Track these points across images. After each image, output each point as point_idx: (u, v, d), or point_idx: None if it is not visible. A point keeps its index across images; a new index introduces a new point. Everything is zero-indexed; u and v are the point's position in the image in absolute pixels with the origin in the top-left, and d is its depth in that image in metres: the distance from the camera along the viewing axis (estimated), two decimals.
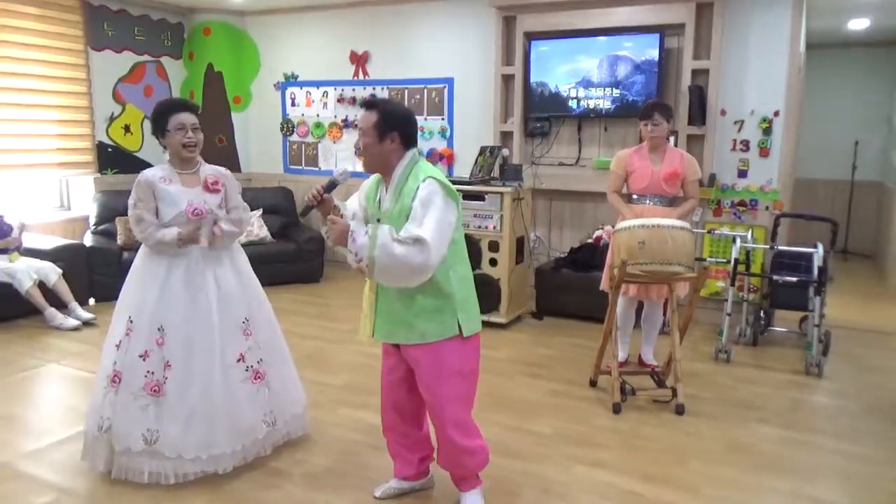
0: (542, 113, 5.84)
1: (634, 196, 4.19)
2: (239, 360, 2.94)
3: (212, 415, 2.83)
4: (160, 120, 2.91)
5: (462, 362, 2.52)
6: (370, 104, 2.46)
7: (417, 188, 2.38)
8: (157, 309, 2.85)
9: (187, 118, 2.90)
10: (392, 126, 2.42)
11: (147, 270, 2.93)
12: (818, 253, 4.41)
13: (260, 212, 6.67)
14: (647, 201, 4.13)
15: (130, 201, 2.93)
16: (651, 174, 4.08)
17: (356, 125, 6.88)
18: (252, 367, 2.98)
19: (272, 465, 3.03)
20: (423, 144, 6.61)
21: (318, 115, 7.14)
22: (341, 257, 7.69)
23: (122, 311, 2.94)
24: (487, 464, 2.66)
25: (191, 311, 2.86)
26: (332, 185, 2.50)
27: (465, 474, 2.65)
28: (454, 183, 2.67)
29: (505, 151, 5.56)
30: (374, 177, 2.62)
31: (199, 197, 2.95)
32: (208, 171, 3.05)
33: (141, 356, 2.83)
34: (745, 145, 5.29)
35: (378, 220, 2.50)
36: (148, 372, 2.82)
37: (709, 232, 4.91)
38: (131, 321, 2.87)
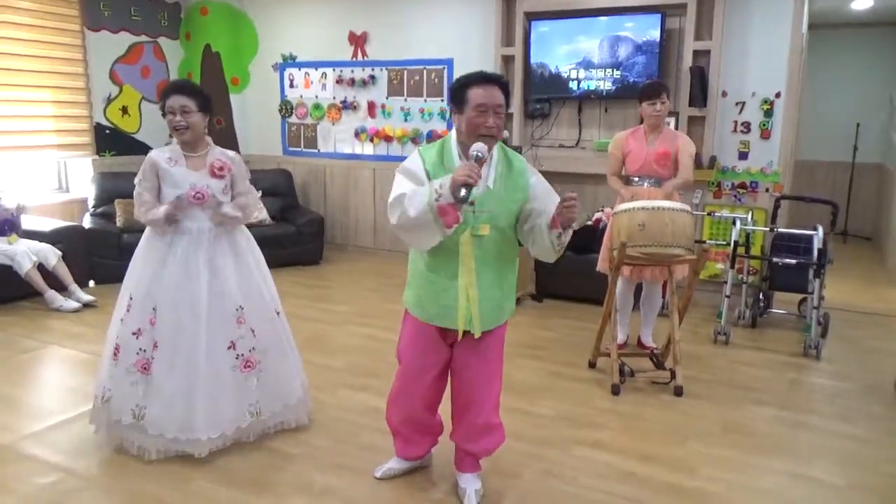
0: (542, 94, 5.81)
1: (630, 177, 4.17)
2: (229, 348, 2.93)
3: (192, 399, 2.84)
4: (161, 103, 2.94)
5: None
6: (496, 79, 2.35)
7: (525, 167, 2.46)
8: (153, 289, 2.88)
9: (176, 101, 2.87)
10: (509, 103, 2.44)
11: (148, 250, 2.95)
12: (818, 235, 4.41)
13: (259, 194, 6.65)
14: (643, 182, 4.11)
15: (136, 179, 2.94)
16: (645, 155, 4.06)
17: (355, 106, 6.86)
18: (242, 355, 2.97)
19: (273, 445, 3.05)
20: (423, 126, 6.58)
21: (316, 97, 7.10)
22: (341, 239, 7.67)
23: (126, 288, 2.97)
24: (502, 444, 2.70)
25: (183, 294, 2.86)
26: (481, 160, 2.25)
27: (481, 453, 2.67)
28: None
29: (505, 133, 5.53)
30: (425, 154, 2.43)
31: (203, 180, 2.93)
32: (217, 154, 3.01)
33: (134, 333, 2.88)
34: (746, 127, 5.27)
35: (471, 203, 2.32)
36: (140, 349, 2.87)
37: (709, 214, 4.91)
38: (131, 298, 2.91)
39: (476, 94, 2.31)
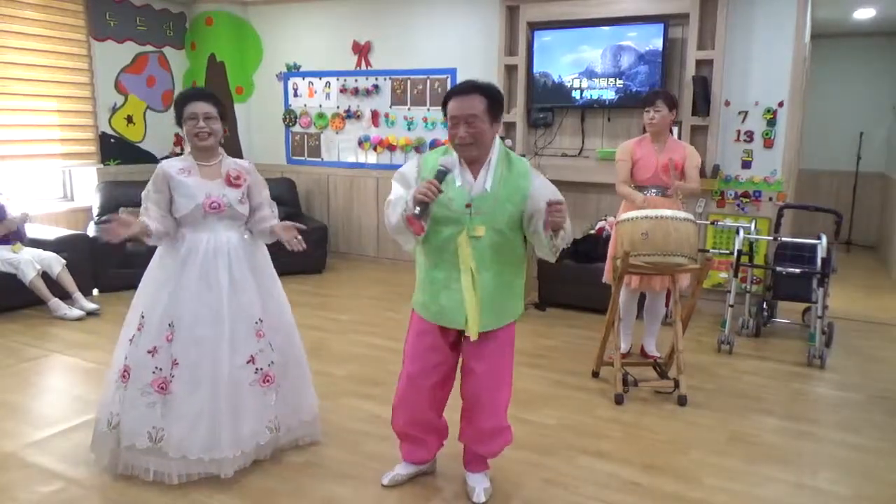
0: (545, 103, 5.82)
1: (636, 187, 4.17)
2: (249, 362, 2.83)
3: (217, 417, 2.74)
4: (177, 111, 2.86)
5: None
6: (473, 88, 2.37)
7: (528, 170, 2.46)
8: (169, 305, 2.78)
9: (199, 107, 2.81)
10: (501, 110, 2.44)
11: (162, 266, 2.87)
12: (821, 244, 4.40)
13: None
14: (649, 192, 4.11)
15: (144, 192, 2.87)
16: (655, 164, 4.07)
17: (358, 115, 6.89)
18: (262, 369, 2.87)
19: (278, 456, 3.03)
20: (427, 135, 6.61)
21: (320, 106, 7.13)
22: (344, 248, 7.66)
23: (136, 306, 2.88)
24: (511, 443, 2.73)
25: (202, 309, 2.77)
26: (443, 176, 2.34)
27: (488, 454, 2.69)
28: None
29: (508, 142, 5.56)
30: (426, 160, 2.51)
31: (219, 190, 2.86)
32: (230, 164, 2.95)
33: (149, 352, 2.76)
34: (749, 136, 5.27)
35: (468, 206, 2.40)
36: (156, 368, 2.76)
37: (712, 223, 4.91)
38: (143, 317, 2.82)
39: (450, 107, 2.40)
